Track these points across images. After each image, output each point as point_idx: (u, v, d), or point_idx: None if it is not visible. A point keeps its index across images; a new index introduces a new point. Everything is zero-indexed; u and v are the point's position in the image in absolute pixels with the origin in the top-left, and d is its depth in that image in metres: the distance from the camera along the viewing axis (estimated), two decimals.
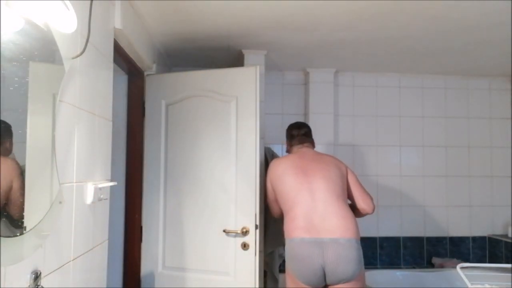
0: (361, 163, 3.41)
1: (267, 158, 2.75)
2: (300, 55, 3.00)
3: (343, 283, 1.96)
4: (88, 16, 1.44)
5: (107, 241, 1.82)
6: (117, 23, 1.88)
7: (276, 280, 2.74)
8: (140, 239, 2.53)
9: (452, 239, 3.44)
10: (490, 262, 3.35)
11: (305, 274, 1.98)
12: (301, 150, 2.38)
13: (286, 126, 2.55)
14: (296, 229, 2.06)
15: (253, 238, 2.31)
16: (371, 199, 2.22)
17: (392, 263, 3.39)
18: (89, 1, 1.46)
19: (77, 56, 1.38)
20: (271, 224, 2.65)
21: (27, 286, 1.07)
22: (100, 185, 1.60)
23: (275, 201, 2.31)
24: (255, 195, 2.32)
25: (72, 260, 1.41)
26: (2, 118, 0.92)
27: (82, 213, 1.49)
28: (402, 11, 2.15)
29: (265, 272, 2.74)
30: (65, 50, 1.27)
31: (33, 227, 1.05)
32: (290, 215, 2.13)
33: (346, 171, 2.26)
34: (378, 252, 3.40)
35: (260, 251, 2.37)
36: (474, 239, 3.45)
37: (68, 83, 1.34)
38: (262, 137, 2.66)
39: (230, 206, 2.37)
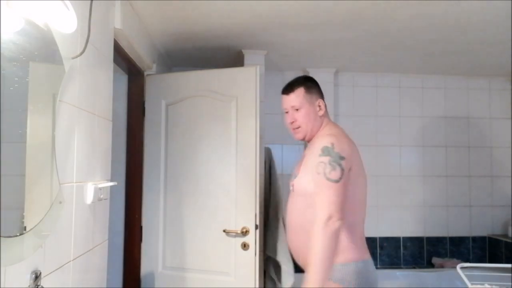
0: None
1: (265, 159, 2.74)
2: (300, 55, 2.99)
3: None
4: (88, 16, 1.44)
5: (107, 241, 1.82)
6: (117, 23, 1.88)
7: None
8: (140, 239, 2.53)
9: (452, 239, 3.44)
10: (490, 262, 3.35)
11: None
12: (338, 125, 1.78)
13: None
14: (366, 249, 1.67)
15: (253, 238, 2.31)
16: None
17: (392, 263, 3.39)
18: (89, 1, 1.46)
19: (77, 56, 1.38)
20: (272, 227, 2.64)
21: (27, 286, 1.07)
22: (100, 185, 1.60)
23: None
24: (255, 195, 2.32)
25: (72, 260, 1.41)
26: (2, 118, 0.92)
27: (82, 213, 1.49)
28: (402, 11, 2.15)
29: (264, 272, 2.74)
30: (65, 50, 1.27)
31: (33, 227, 1.05)
32: (358, 229, 1.64)
33: None
34: (378, 252, 3.40)
35: (260, 251, 2.37)
36: (474, 239, 3.45)
37: (68, 83, 1.34)
38: (262, 137, 2.66)
39: (230, 206, 2.37)
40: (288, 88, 1.73)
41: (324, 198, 1.48)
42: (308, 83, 1.74)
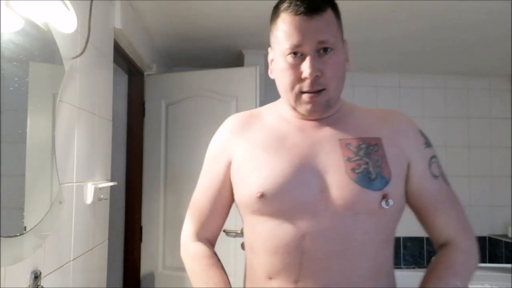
0: None
1: None
2: None
3: None
4: (88, 16, 1.44)
5: (107, 241, 1.82)
6: (117, 23, 1.88)
7: None
8: (140, 239, 2.53)
9: None
10: (490, 262, 3.34)
11: None
12: None
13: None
14: None
15: None
16: None
17: None
18: (89, 1, 1.46)
19: (77, 56, 1.38)
20: None
21: (27, 286, 1.07)
22: (100, 185, 1.60)
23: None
24: None
25: (72, 260, 1.41)
26: (2, 118, 0.92)
27: (82, 213, 1.49)
28: (402, 11, 2.15)
29: None
30: (65, 50, 1.27)
31: (33, 227, 1.05)
32: None
33: None
34: None
35: None
36: None
37: (68, 83, 1.34)
38: None
39: None
40: (312, 4, 0.87)
41: (462, 214, 1.02)
42: (335, 4, 0.97)
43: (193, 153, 2.48)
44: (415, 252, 3.41)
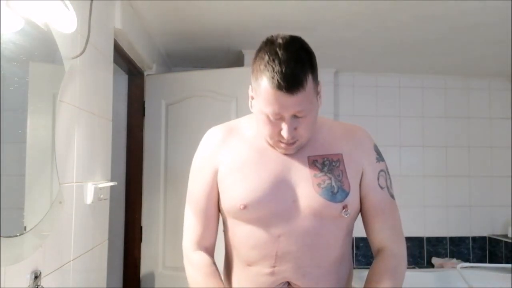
0: None
1: None
2: None
3: None
4: (88, 16, 1.44)
5: (107, 241, 1.82)
6: (117, 23, 1.88)
7: None
8: (140, 239, 2.53)
9: (452, 239, 3.44)
10: (490, 262, 3.34)
11: None
12: None
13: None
14: None
15: None
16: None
17: None
18: (89, 1, 1.46)
19: (77, 56, 1.38)
20: None
21: (27, 286, 1.07)
22: (100, 185, 1.60)
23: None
24: None
25: (72, 260, 1.41)
26: (2, 118, 0.92)
27: (82, 213, 1.49)
28: (402, 11, 2.15)
29: None
30: (65, 50, 1.27)
31: (33, 227, 1.05)
32: None
33: None
34: None
35: None
36: (474, 239, 3.45)
37: (68, 83, 1.34)
38: None
39: None
40: (294, 82, 0.94)
41: (398, 224, 1.16)
42: (313, 59, 1.07)
43: (193, 153, 2.48)
44: (415, 252, 3.41)
